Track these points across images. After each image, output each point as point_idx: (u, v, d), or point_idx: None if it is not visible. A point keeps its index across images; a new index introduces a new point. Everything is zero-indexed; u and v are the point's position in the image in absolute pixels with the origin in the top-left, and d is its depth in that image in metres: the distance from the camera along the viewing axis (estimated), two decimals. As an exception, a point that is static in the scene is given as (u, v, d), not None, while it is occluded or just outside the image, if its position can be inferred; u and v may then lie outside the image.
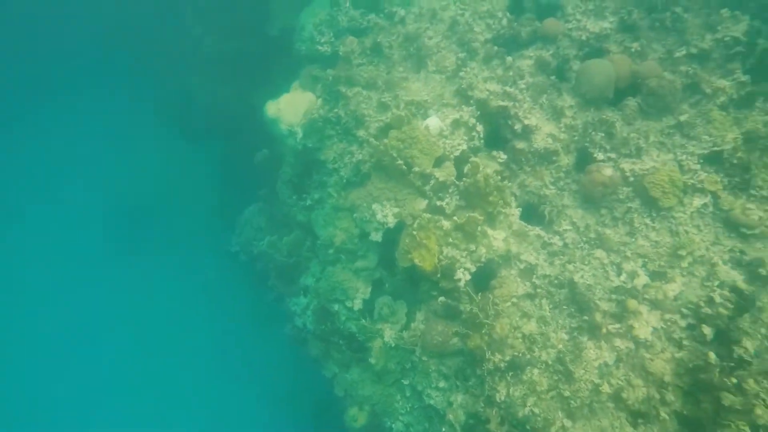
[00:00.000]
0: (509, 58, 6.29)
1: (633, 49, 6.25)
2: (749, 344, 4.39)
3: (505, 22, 6.71)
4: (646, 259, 5.14)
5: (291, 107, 6.77)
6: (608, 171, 5.37)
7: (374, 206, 5.85)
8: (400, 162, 5.52)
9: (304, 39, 7.48)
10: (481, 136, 5.79)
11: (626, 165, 5.53)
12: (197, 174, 13.81)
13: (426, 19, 7.13)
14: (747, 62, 5.87)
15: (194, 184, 13.75)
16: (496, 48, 6.37)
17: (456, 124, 5.85)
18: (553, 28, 6.60)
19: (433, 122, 5.75)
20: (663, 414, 4.37)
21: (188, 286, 12.53)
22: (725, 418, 4.22)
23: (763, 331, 4.73)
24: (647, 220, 5.37)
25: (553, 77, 6.18)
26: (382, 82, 6.62)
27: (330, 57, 7.03)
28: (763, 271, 4.91)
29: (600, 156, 5.64)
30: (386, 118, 6.12)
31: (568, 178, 5.75)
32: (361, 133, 6.40)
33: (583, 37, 6.38)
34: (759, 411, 4.20)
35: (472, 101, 5.95)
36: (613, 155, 5.63)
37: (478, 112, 5.88)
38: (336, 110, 6.63)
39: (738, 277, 4.94)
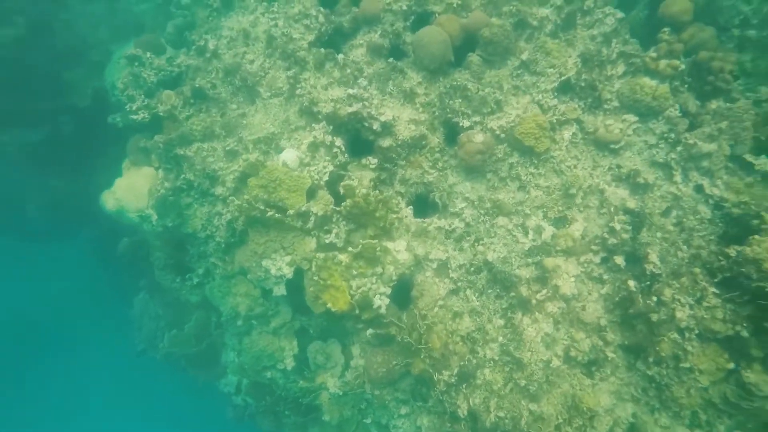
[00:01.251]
0: (340, 56, 5.90)
1: (455, 4, 6.11)
2: (654, 256, 4.55)
3: (322, 18, 6.27)
4: (545, 209, 5.16)
5: (130, 191, 5.91)
6: (479, 137, 5.25)
7: (264, 263, 5.31)
8: (271, 212, 5.00)
9: (116, 109, 6.53)
10: (344, 149, 5.41)
11: (493, 123, 5.46)
12: (63, 276, 12.19)
13: (240, 42, 6.49)
14: (557, -16, 5.97)
15: (64, 290, 12.14)
16: (323, 50, 5.93)
17: (313, 146, 5.40)
18: (373, 7, 6.27)
19: (290, 155, 5.25)
20: (610, 354, 4.45)
21: (108, 400, 11.20)
22: (658, 334, 4.36)
23: (659, 234, 4.96)
24: (532, 170, 5.37)
25: (391, 59, 5.89)
26: (220, 128, 5.96)
27: (152, 121, 6.18)
28: (640, 180, 5.12)
29: (466, 123, 5.50)
30: (239, 166, 5.52)
31: (444, 156, 5.58)
32: (219, 190, 5.75)
33: (404, 7, 6.13)
34: (679, 314, 4.39)
35: (320, 116, 5.51)
36: (477, 118, 5.53)
37: (331, 127, 5.47)
38: (183, 176, 5.89)
39: (624, 194, 5.11)
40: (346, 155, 5.43)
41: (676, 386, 4.43)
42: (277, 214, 5.04)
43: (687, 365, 4.37)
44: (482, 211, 5.31)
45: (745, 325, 4.42)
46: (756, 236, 4.61)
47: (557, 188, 5.21)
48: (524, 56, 5.75)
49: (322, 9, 6.32)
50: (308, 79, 5.89)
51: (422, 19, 6.24)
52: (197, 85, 6.06)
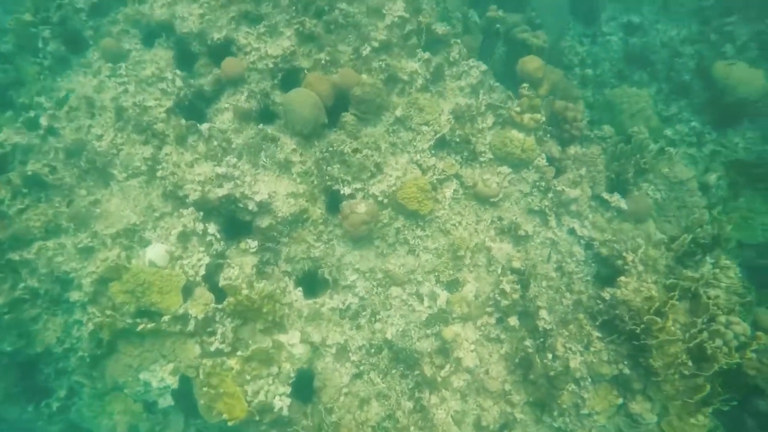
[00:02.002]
0: (205, 126, 5.38)
1: (323, 60, 5.92)
2: (544, 311, 4.78)
3: (179, 81, 5.69)
4: (437, 273, 5.17)
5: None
6: (361, 207, 5.10)
7: (142, 376, 4.65)
8: (142, 324, 4.38)
9: None
10: (218, 235, 4.93)
11: (375, 188, 5.35)
12: None
13: (83, 112, 5.66)
14: (420, 38, 6.05)
15: None
16: (184, 122, 5.37)
17: (183, 236, 4.85)
18: (235, 67, 5.85)
19: (157, 250, 4.66)
20: (518, 415, 4.57)
21: None
22: (558, 387, 4.58)
23: (544, 283, 5.22)
24: (419, 232, 5.36)
25: (261, 125, 5.52)
26: (67, 220, 5.12)
27: (-27, 221, 5.12)
28: (521, 232, 5.35)
29: (347, 190, 5.32)
30: (96, 267, 4.78)
31: (329, 227, 5.35)
32: (75, 296, 4.93)
33: (270, 64, 5.79)
34: (572, 364, 4.66)
35: (188, 200, 4.97)
36: (358, 185, 5.38)
37: (202, 212, 4.95)
38: (23, 284, 4.96)
39: (509, 248, 5.31)
40: (222, 242, 4.96)
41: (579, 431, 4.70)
42: (149, 324, 4.44)
43: (586, 411, 4.65)
44: (375, 282, 5.18)
45: (625, 362, 4.82)
46: (623, 278, 5.04)
47: (446, 249, 5.26)
48: (398, 112, 5.73)
49: (178, 72, 5.75)
50: (170, 155, 5.29)
51: (291, 76, 5.96)
52: (29, 172, 5.15)
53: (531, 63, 5.66)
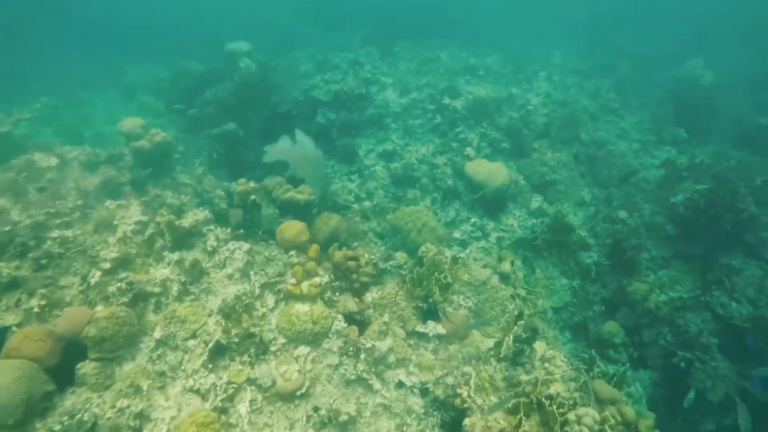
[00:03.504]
0: None
1: (38, 307, 4.72)
2: None
3: None
4: None
5: None
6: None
7: None
8: None
9: None
10: None
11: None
12: None
13: None
14: (165, 238, 5.33)
15: None
16: None
17: None
18: None
19: None
20: None
21: None
22: None
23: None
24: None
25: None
26: None
27: None
28: (343, 416, 4.51)
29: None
30: None
31: None
32: None
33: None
34: None
35: None
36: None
37: None
38: None
39: (336, 446, 4.37)
40: None
41: None
42: None
43: None
44: None
45: None
46: (467, 420, 4.47)
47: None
48: (158, 333, 4.71)
49: None
50: None
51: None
52: None
53: (289, 230, 5.32)
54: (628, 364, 7.70)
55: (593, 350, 7.68)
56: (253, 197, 6.50)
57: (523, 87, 10.56)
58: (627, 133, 10.10)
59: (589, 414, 4.31)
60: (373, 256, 6.20)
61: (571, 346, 7.86)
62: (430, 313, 5.96)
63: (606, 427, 4.32)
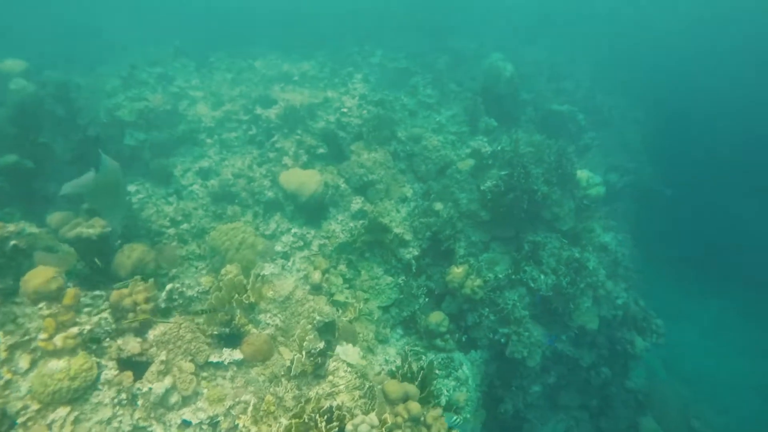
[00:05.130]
0: None
1: None
2: None
3: None
4: None
5: None
6: None
7: None
8: None
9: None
10: None
11: None
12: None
13: None
14: None
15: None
16: None
17: None
18: None
19: None
20: None
21: None
22: None
23: None
24: None
25: None
26: None
27: None
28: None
29: None
30: None
31: None
32: None
33: None
34: None
35: None
36: None
37: None
38: None
39: None
40: None
41: None
42: None
43: None
44: None
45: None
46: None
47: None
48: None
49: None
50: None
51: None
52: None
53: (32, 281, 4.81)
54: (455, 350, 8.31)
55: (418, 344, 8.19)
56: (13, 242, 5.80)
57: (339, 90, 10.82)
58: (443, 127, 10.85)
59: (366, 421, 4.51)
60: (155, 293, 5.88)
61: (404, 341, 8.24)
62: (232, 338, 5.83)
63: (383, 429, 4.55)
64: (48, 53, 12.78)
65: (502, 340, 8.50)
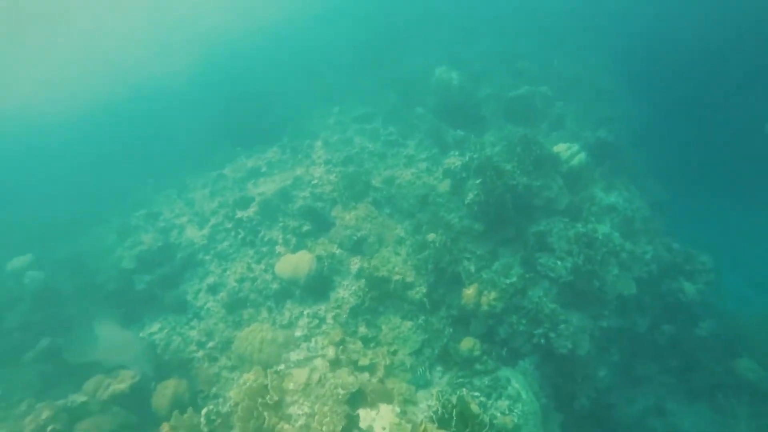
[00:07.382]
0: None
1: None
2: None
3: None
4: None
5: None
6: None
7: None
8: None
9: None
10: None
11: None
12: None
13: None
14: None
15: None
16: None
17: None
18: None
19: None
20: None
21: None
22: None
23: None
24: None
25: None
26: None
27: None
28: None
29: None
30: None
31: None
32: None
33: None
34: None
35: None
36: None
37: None
38: None
39: None
40: None
41: None
42: None
43: None
44: None
45: None
46: None
47: None
48: None
49: None
50: None
51: None
52: None
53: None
54: (499, 367, 8.32)
55: (461, 375, 8.26)
56: (51, 427, 6.45)
57: (304, 164, 11.42)
58: (413, 157, 11.23)
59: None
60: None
61: (447, 378, 8.35)
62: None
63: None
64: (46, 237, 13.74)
65: (542, 341, 8.48)
